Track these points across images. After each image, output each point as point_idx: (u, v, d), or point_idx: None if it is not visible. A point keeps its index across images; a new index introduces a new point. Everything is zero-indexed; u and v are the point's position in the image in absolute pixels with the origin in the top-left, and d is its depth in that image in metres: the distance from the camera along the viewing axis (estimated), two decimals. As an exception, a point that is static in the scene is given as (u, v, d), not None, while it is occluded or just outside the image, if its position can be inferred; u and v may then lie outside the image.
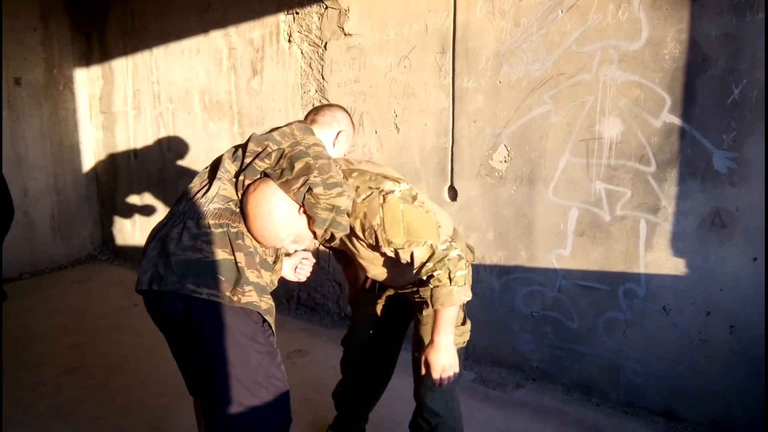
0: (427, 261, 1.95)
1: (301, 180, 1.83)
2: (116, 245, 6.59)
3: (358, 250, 2.15)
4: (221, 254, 1.79)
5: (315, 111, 2.31)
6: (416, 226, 1.94)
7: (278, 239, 1.90)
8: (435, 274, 1.96)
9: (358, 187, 1.97)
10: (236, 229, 1.85)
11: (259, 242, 1.91)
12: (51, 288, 5.59)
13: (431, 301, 2.02)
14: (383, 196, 1.94)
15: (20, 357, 3.89)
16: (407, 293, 2.36)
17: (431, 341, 2.08)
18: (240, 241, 1.84)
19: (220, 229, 1.82)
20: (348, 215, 1.94)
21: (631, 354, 3.05)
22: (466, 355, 3.64)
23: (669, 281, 2.87)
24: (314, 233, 1.95)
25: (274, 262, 2.01)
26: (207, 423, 1.92)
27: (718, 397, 2.83)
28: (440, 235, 1.98)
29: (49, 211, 6.27)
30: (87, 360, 3.85)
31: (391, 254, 2.01)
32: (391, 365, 2.64)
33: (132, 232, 6.34)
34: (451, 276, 1.95)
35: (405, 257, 1.98)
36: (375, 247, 2.03)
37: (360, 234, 1.99)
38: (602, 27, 2.87)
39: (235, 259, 1.80)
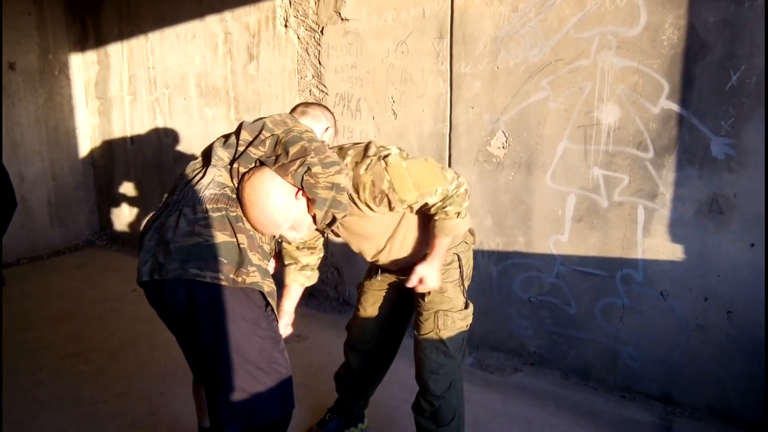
0: (440, 202, 2.04)
1: (298, 162, 1.83)
2: (114, 231, 6.59)
3: (358, 230, 2.17)
4: (221, 237, 1.78)
5: (304, 105, 2.43)
6: (424, 177, 2.00)
7: (276, 225, 1.90)
8: (447, 209, 2.05)
9: (356, 163, 1.99)
10: (235, 213, 1.85)
11: (256, 230, 1.91)
12: (49, 274, 5.60)
13: (434, 230, 2.11)
14: (383, 159, 1.98)
15: (18, 342, 3.90)
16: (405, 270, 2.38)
17: (426, 259, 2.15)
18: (240, 224, 1.84)
19: (219, 213, 1.81)
20: (348, 193, 1.96)
21: (629, 339, 3.07)
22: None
23: (666, 267, 2.89)
24: (314, 218, 1.94)
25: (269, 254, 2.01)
26: (211, 410, 1.92)
27: (714, 382, 2.85)
28: (447, 176, 2.04)
29: (46, 196, 6.26)
30: (85, 345, 3.86)
31: (406, 210, 2.11)
32: (395, 351, 2.67)
33: (129, 217, 6.33)
34: (459, 210, 2.07)
35: (417, 207, 2.08)
36: (389, 210, 2.07)
37: (372, 204, 2.01)
38: (600, 12, 2.86)
39: (237, 240, 1.80)
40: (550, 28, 3.02)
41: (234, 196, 1.89)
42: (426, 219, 2.21)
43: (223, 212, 1.82)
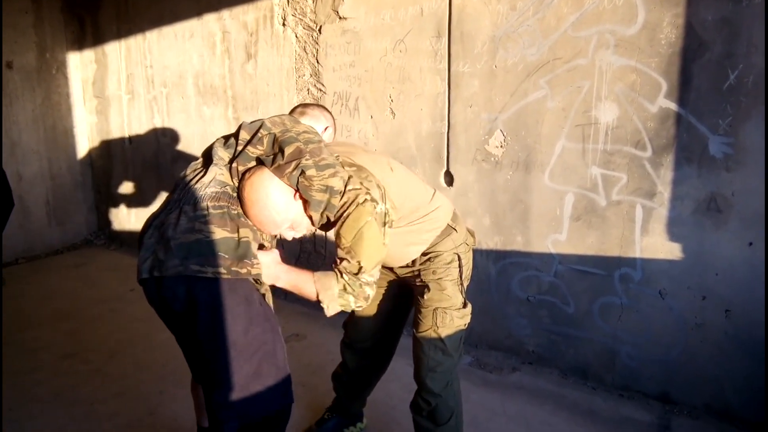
0: (347, 271, 2.02)
1: (293, 164, 1.85)
2: (112, 230, 6.58)
3: None
4: (222, 233, 1.79)
5: (303, 106, 2.46)
6: (366, 244, 1.98)
7: (275, 225, 1.91)
8: (342, 277, 2.02)
9: (350, 177, 1.99)
10: (236, 211, 1.87)
11: (256, 228, 1.92)
12: (47, 273, 5.59)
13: (318, 272, 2.07)
14: (365, 200, 1.97)
15: (17, 342, 3.89)
16: (408, 277, 2.39)
17: (279, 263, 2.02)
18: (243, 219, 1.86)
19: (220, 210, 1.82)
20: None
21: (627, 338, 3.07)
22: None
23: (665, 266, 2.89)
24: (311, 219, 1.96)
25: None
26: (209, 408, 1.92)
27: (712, 381, 2.85)
28: (375, 269, 2.03)
29: (44, 196, 6.25)
30: (84, 345, 3.86)
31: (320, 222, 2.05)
32: (393, 350, 2.67)
33: (128, 216, 6.33)
34: (348, 291, 2.02)
35: (340, 252, 2.04)
36: (324, 224, 2.06)
37: (320, 206, 1.99)
38: (599, 11, 2.86)
39: (238, 235, 1.82)
40: (548, 26, 3.02)
41: (234, 194, 1.90)
42: (421, 223, 2.23)
43: (225, 209, 1.83)
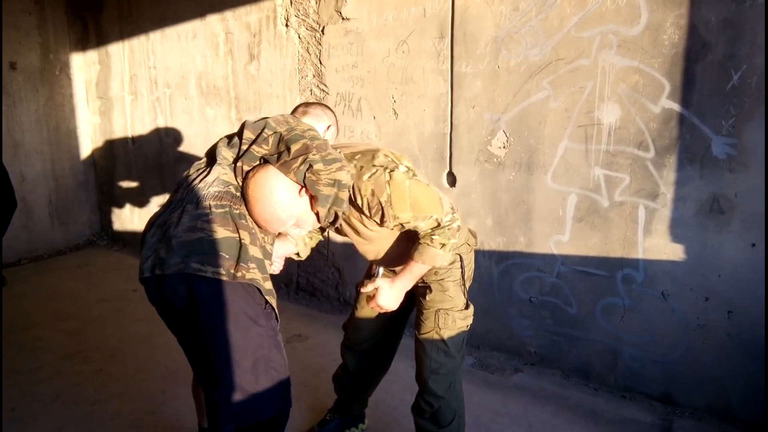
0: (431, 230, 2.04)
1: (300, 159, 1.85)
2: (115, 231, 6.59)
3: (359, 232, 2.17)
4: (223, 232, 1.79)
5: (305, 105, 2.46)
6: (422, 201, 1.99)
7: (280, 222, 1.91)
8: (433, 237, 2.04)
9: (362, 167, 1.99)
10: (238, 211, 1.86)
11: (260, 227, 1.92)
12: (49, 273, 5.60)
13: (414, 252, 2.09)
14: (389, 173, 1.98)
15: (19, 342, 3.90)
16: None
17: (393, 280, 2.18)
18: (243, 221, 1.85)
19: (222, 210, 1.83)
20: (349, 191, 1.96)
21: (629, 339, 3.06)
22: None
23: (667, 267, 2.88)
24: (317, 215, 1.96)
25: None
26: (208, 407, 1.92)
27: (715, 382, 2.85)
28: (443, 207, 2.04)
29: (47, 196, 6.26)
30: (86, 345, 3.86)
31: (396, 228, 2.08)
32: (394, 351, 2.66)
33: (130, 217, 6.34)
34: (445, 243, 2.04)
35: (407, 228, 2.06)
36: (380, 224, 2.05)
37: (366, 212, 2.01)
38: (601, 12, 2.86)
39: (239, 236, 1.81)
40: (551, 27, 3.02)
41: (238, 194, 1.90)
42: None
43: (227, 209, 1.83)
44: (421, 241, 2.07)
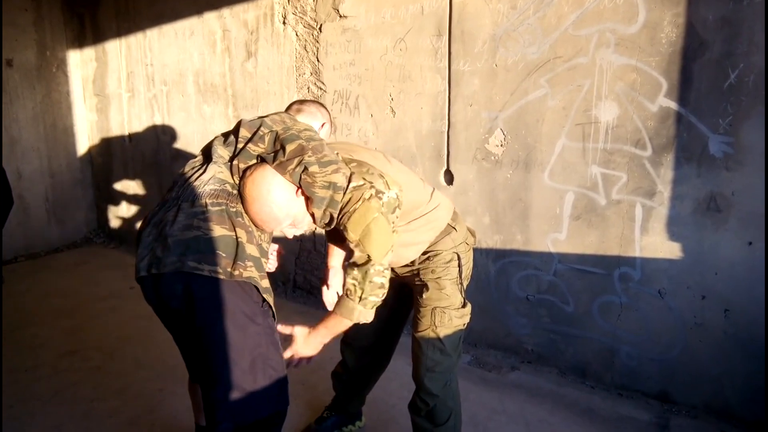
0: (358, 265, 1.99)
1: (296, 161, 1.85)
2: (112, 228, 6.58)
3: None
4: (220, 230, 1.79)
5: (299, 102, 2.46)
6: (374, 238, 1.96)
7: (276, 221, 1.91)
8: (350, 283, 2.01)
9: (352, 174, 1.98)
10: (235, 209, 1.86)
11: (257, 226, 1.91)
12: (46, 271, 5.59)
13: (335, 305, 2.09)
14: (370, 195, 1.96)
15: (17, 340, 3.89)
16: (407, 276, 2.38)
17: (309, 332, 2.16)
18: (240, 219, 1.85)
19: (218, 207, 1.82)
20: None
21: (626, 337, 3.07)
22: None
23: (664, 265, 2.89)
24: (313, 216, 1.96)
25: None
26: (206, 406, 1.92)
27: (711, 381, 2.85)
28: (386, 258, 2.01)
29: (44, 194, 6.25)
30: (83, 343, 3.86)
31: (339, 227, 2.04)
32: (392, 349, 2.67)
33: (127, 214, 6.33)
34: (363, 296, 2.01)
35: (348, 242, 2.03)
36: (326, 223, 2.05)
37: (323, 203, 1.99)
38: (599, 10, 2.86)
39: (235, 234, 1.81)
40: (548, 25, 3.02)
41: (234, 192, 1.90)
42: (420, 223, 2.22)
43: (223, 207, 1.83)
44: (345, 289, 2.05)
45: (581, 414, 2.95)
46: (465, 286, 2.35)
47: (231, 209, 1.84)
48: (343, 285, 2.12)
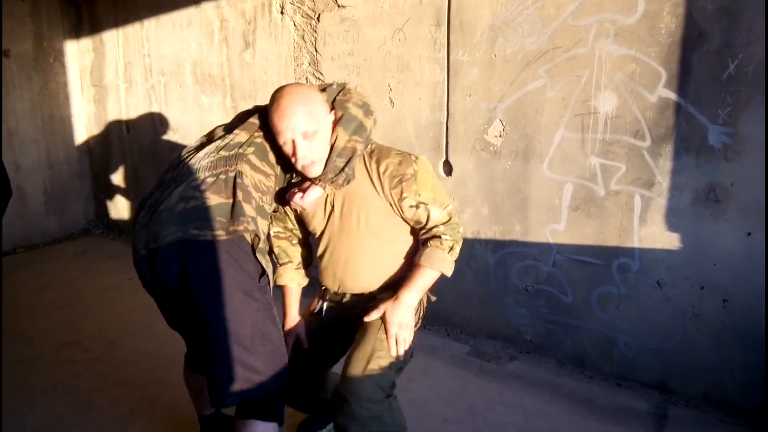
0: (442, 224, 2.02)
1: (335, 84, 2.00)
2: (110, 219, 6.57)
3: (350, 226, 2.09)
4: (216, 199, 1.79)
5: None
6: (441, 190, 2.03)
7: (301, 117, 1.86)
8: (443, 237, 2.01)
9: (382, 150, 2.06)
10: (234, 172, 1.85)
11: (276, 132, 1.90)
12: (45, 262, 5.59)
13: (421, 258, 2.03)
14: (415, 156, 2.02)
15: (16, 331, 3.90)
16: (357, 304, 2.23)
17: (396, 297, 2.01)
18: (240, 180, 1.84)
19: (213, 178, 1.83)
20: (370, 135, 2.03)
21: (625, 328, 3.08)
22: (461, 328, 3.69)
23: (663, 256, 2.89)
24: (331, 149, 1.94)
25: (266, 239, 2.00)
26: (209, 384, 1.88)
27: (710, 371, 2.86)
28: (453, 208, 2.08)
29: (42, 185, 6.24)
30: (82, 334, 3.86)
31: (404, 213, 2.03)
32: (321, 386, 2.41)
33: (126, 205, 6.32)
34: (454, 247, 2.02)
35: (421, 216, 2.02)
36: (395, 203, 2.02)
37: (385, 185, 2.00)
38: (599, 0, 2.85)
39: (233, 200, 1.81)
40: (547, 15, 3.01)
41: (232, 153, 1.89)
42: (410, 253, 2.17)
43: (221, 176, 1.83)
44: (430, 243, 2.01)
45: (580, 404, 2.96)
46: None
47: (230, 174, 1.84)
48: (424, 244, 2.08)
